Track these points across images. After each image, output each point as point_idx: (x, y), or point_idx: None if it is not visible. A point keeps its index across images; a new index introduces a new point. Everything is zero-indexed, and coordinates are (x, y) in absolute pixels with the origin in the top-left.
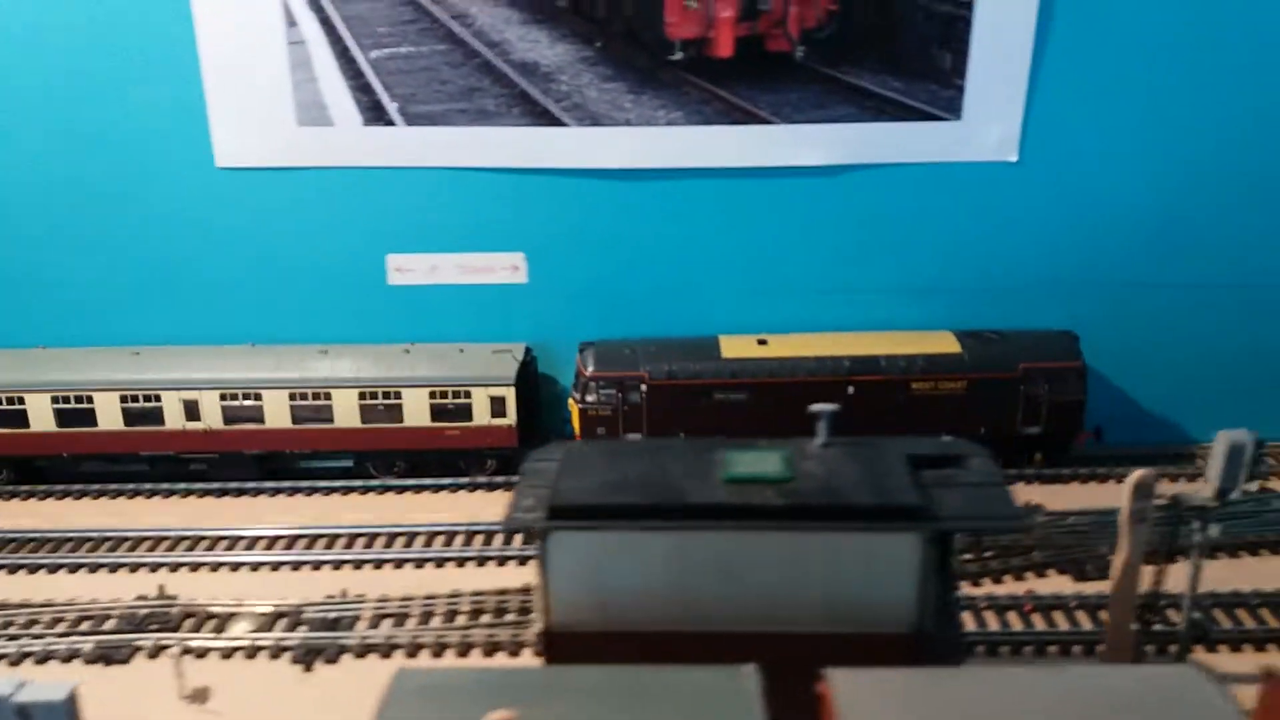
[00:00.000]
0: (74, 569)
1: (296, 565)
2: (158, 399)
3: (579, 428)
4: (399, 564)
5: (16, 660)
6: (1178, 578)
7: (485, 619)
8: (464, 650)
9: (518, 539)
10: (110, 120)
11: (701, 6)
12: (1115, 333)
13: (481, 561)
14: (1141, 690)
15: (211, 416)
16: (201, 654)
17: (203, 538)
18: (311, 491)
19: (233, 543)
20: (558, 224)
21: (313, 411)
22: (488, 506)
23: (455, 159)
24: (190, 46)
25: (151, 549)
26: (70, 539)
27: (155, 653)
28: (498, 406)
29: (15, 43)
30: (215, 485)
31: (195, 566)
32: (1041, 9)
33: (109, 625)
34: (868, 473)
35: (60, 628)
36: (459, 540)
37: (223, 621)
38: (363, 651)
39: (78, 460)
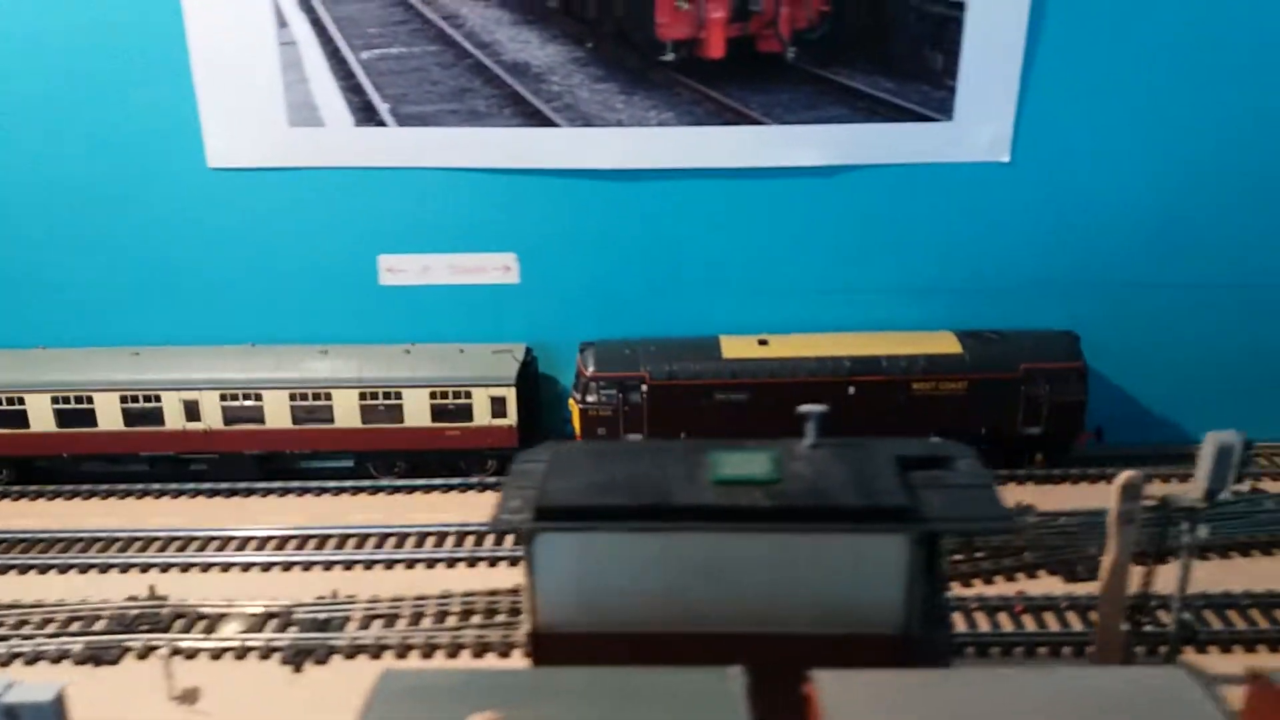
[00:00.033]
0: (64, 569)
1: (287, 566)
2: (158, 399)
3: (579, 428)
4: (389, 565)
5: (6, 661)
6: (1168, 579)
7: (476, 620)
8: (454, 651)
9: (509, 539)
10: (104, 120)
11: (692, 7)
12: (1116, 333)
13: (473, 562)
14: (1129, 692)
15: (212, 417)
16: (191, 655)
17: (194, 538)
18: (303, 492)
19: (224, 543)
20: (550, 224)
21: (313, 412)
22: (486, 507)
23: (447, 159)
24: (181, 47)
25: (143, 549)
26: (61, 539)
27: (145, 653)
28: (498, 407)
29: (10, 45)
30: (207, 485)
31: (186, 567)
32: (1033, 10)
33: (99, 626)
34: (855, 474)
35: (50, 628)
36: (450, 541)
37: (213, 622)
38: (352, 652)
39: (78, 460)
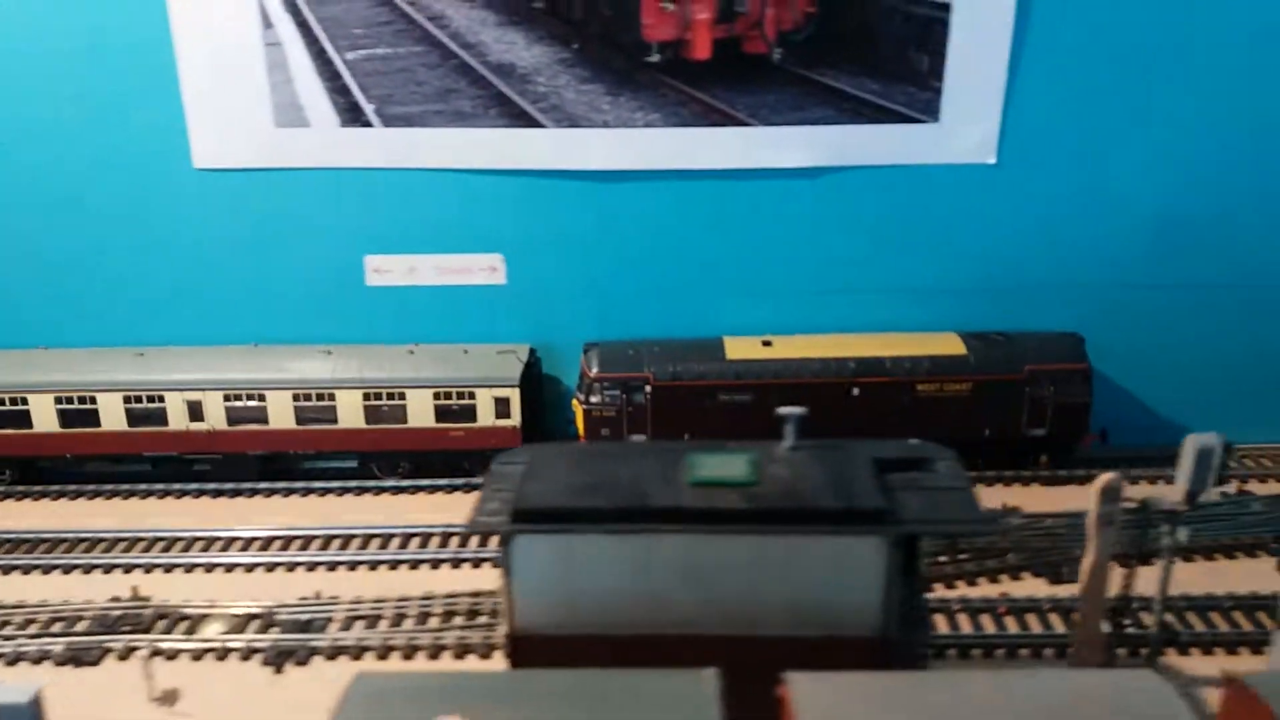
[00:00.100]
0: (48, 570)
1: (271, 567)
2: (161, 400)
3: (583, 429)
4: (374, 566)
5: None
6: (1149, 581)
7: (458, 621)
8: (435, 653)
9: (493, 540)
10: (92, 121)
11: (678, 9)
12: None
13: (457, 563)
14: (1102, 695)
15: (215, 417)
16: (172, 656)
17: (179, 539)
18: (295, 493)
19: (209, 544)
20: (536, 225)
21: (316, 412)
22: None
23: (432, 160)
24: (168, 49)
25: (128, 550)
26: (45, 540)
27: (126, 654)
28: (502, 407)
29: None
30: (194, 486)
31: (170, 568)
32: (1018, 11)
33: (81, 627)
34: (833, 476)
35: (32, 629)
36: (435, 542)
37: (195, 623)
38: (333, 654)
39: (81, 461)
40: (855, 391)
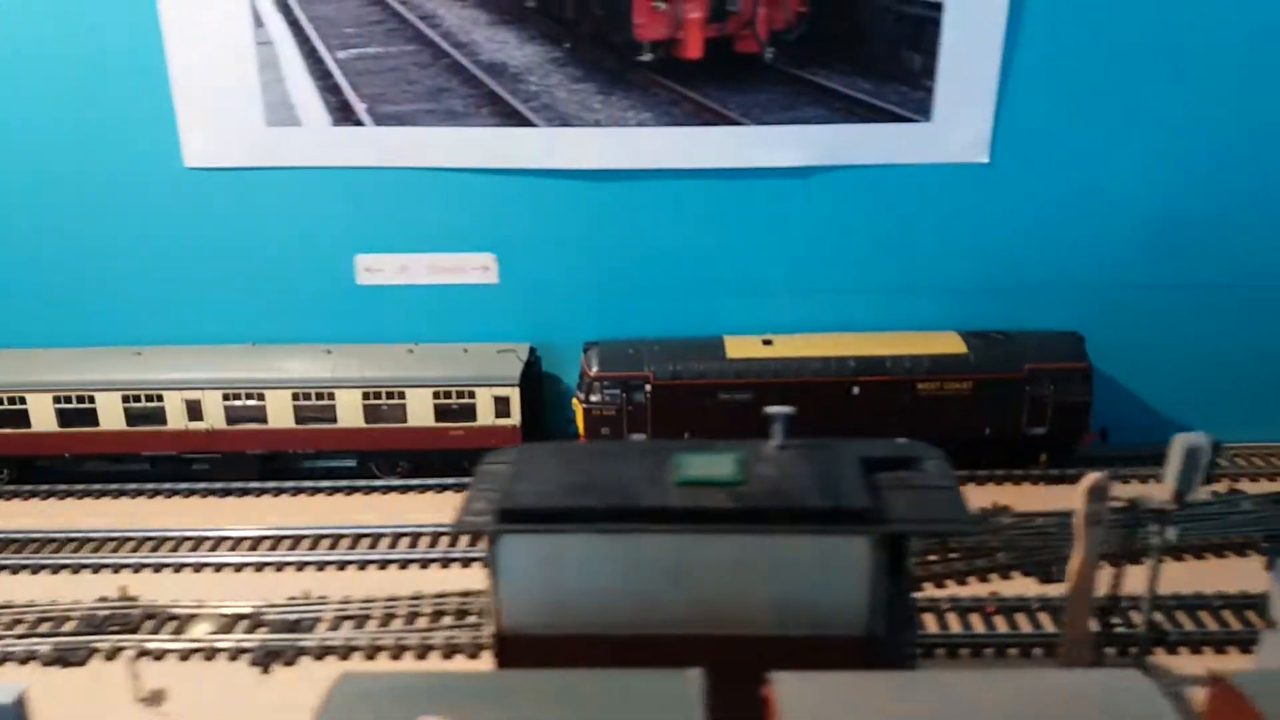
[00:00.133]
0: (36, 570)
1: (260, 566)
2: (160, 399)
3: (583, 428)
4: (363, 565)
5: None
6: (1139, 580)
7: (447, 621)
8: (423, 653)
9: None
10: (82, 118)
11: (670, 8)
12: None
13: (446, 563)
14: (1086, 694)
15: (214, 416)
16: (159, 656)
17: (169, 538)
18: (280, 492)
19: (198, 543)
20: (529, 225)
21: (316, 411)
22: None
23: (424, 159)
24: (159, 48)
25: (116, 549)
26: (34, 540)
27: (113, 655)
28: (502, 406)
29: None
30: (185, 485)
31: (159, 568)
32: (1011, 11)
33: (68, 627)
34: (820, 475)
35: (19, 629)
36: (425, 541)
37: (183, 623)
38: (321, 654)
39: (79, 460)
40: (855, 390)
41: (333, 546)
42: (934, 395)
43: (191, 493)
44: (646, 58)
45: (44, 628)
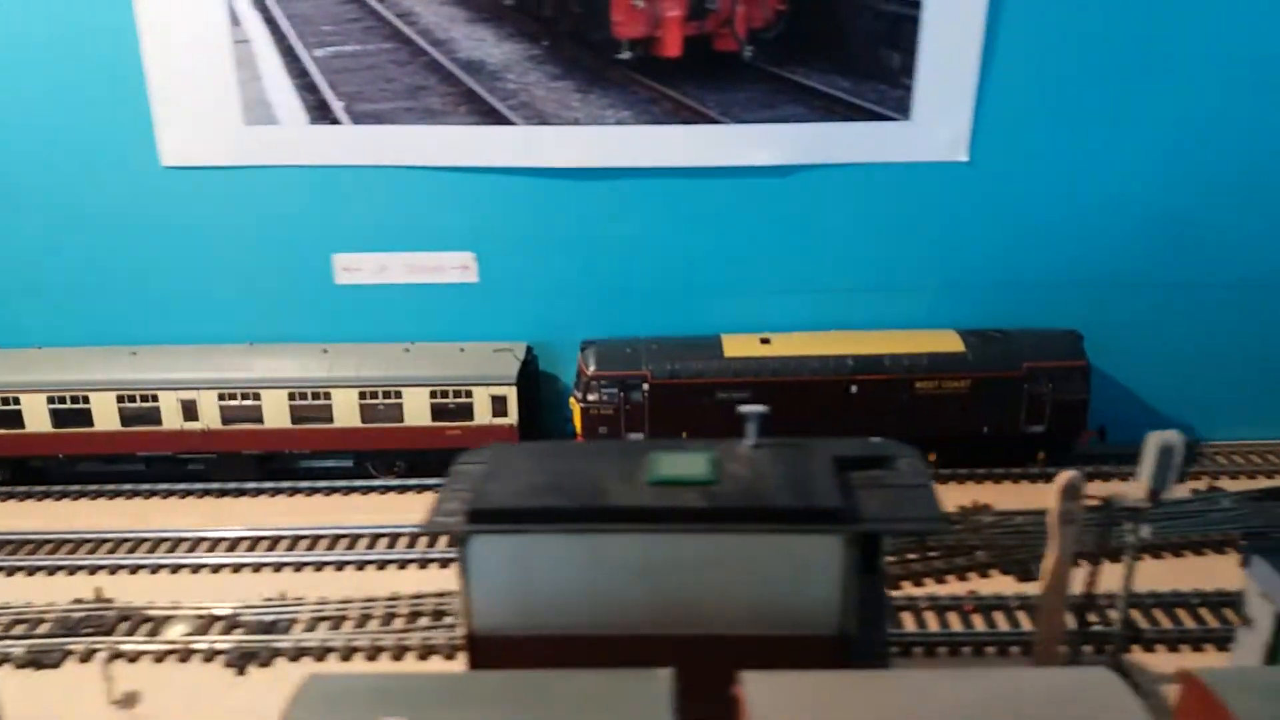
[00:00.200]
0: (11, 572)
1: (237, 568)
2: (155, 399)
3: (581, 427)
4: (340, 566)
5: None
6: (1116, 578)
7: (423, 622)
8: (399, 654)
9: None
10: (58, 117)
11: (648, 6)
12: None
13: (424, 564)
14: (1054, 693)
15: (210, 416)
16: (134, 658)
17: (145, 539)
18: (263, 493)
19: (174, 544)
20: (507, 223)
21: (312, 411)
22: None
23: (402, 158)
24: (134, 46)
25: (92, 551)
26: (9, 542)
27: (87, 657)
28: (499, 406)
29: None
30: (163, 486)
31: (135, 569)
32: (990, 8)
33: (42, 629)
34: (792, 475)
35: None
36: (403, 542)
37: (158, 625)
38: (296, 655)
39: (74, 461)
40: (853, 389)
41: (311, 547)
42: (932, 393)
43: (170, 494)
44: (625, 56)
45: (18, 630)
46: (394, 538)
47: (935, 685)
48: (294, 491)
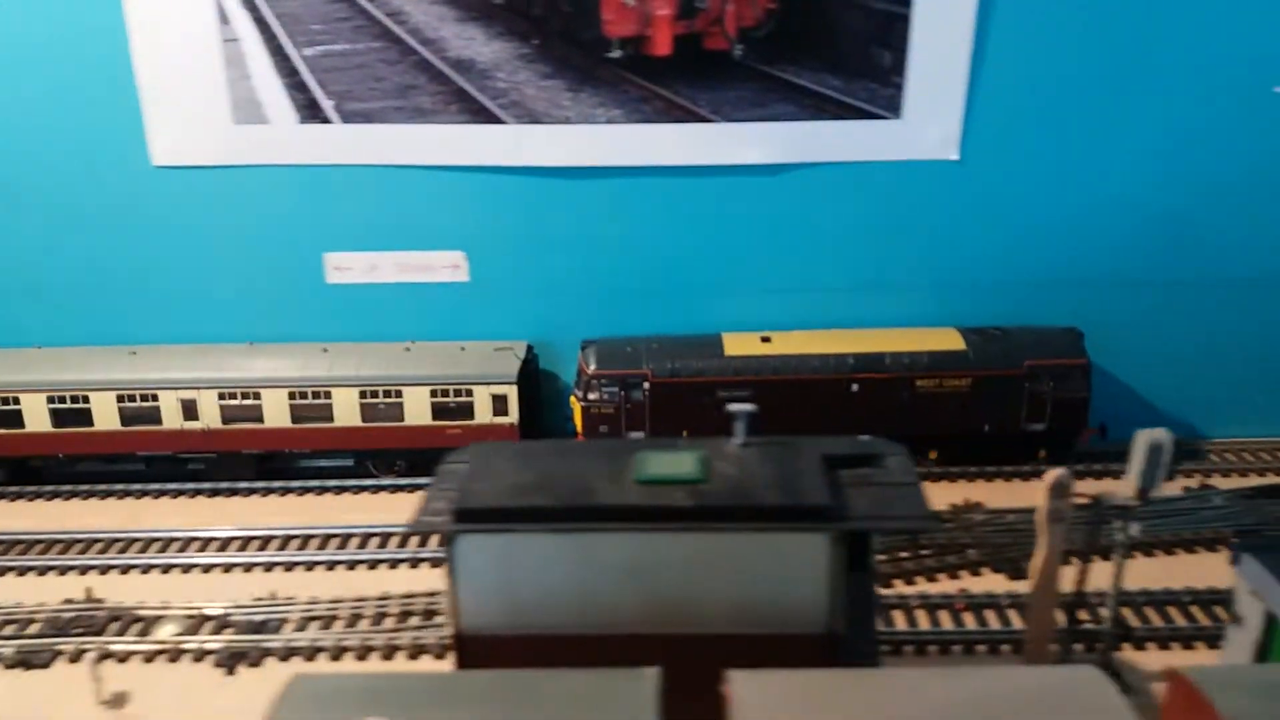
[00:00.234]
0: (1, 572)
1: (229, 567)
2: (155, 398)
3: (581, 426)
4: (331, 566)
5: None
6: (1107, 576)
7: (414, 621)
8: (389, 654)
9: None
10: (50, 115)
11: (639, 4)
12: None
13: (415, 563)
14: (1041, 691)
15: (210, 416)
16: (124, 658)
17: (136, 539)
18: (251, 493)
19: (166, 544)
20: (498, 223)
21: (313, 410)
22: None
23: (392, 157)
24: (124, 46)
25: (83, 551)
26: (1, 542)
27: (77, 657)
28: (500, 405)
29: None
30: (155, 486)
31: (126, 569)
32: (981, 7)
33: (32, 629)
34: (780, 473)
35: None
36: (394, 541)
37: (148, 625)
38: (286, 655)
39: (74, 460)
40: (855, 388)
41: (303, 547)
42: (933, 392)
43: (163, 493)
44: (615, 55)
45: (8, 630)
46: (385, 537)
47: (921, 684)
48: (286, 491)
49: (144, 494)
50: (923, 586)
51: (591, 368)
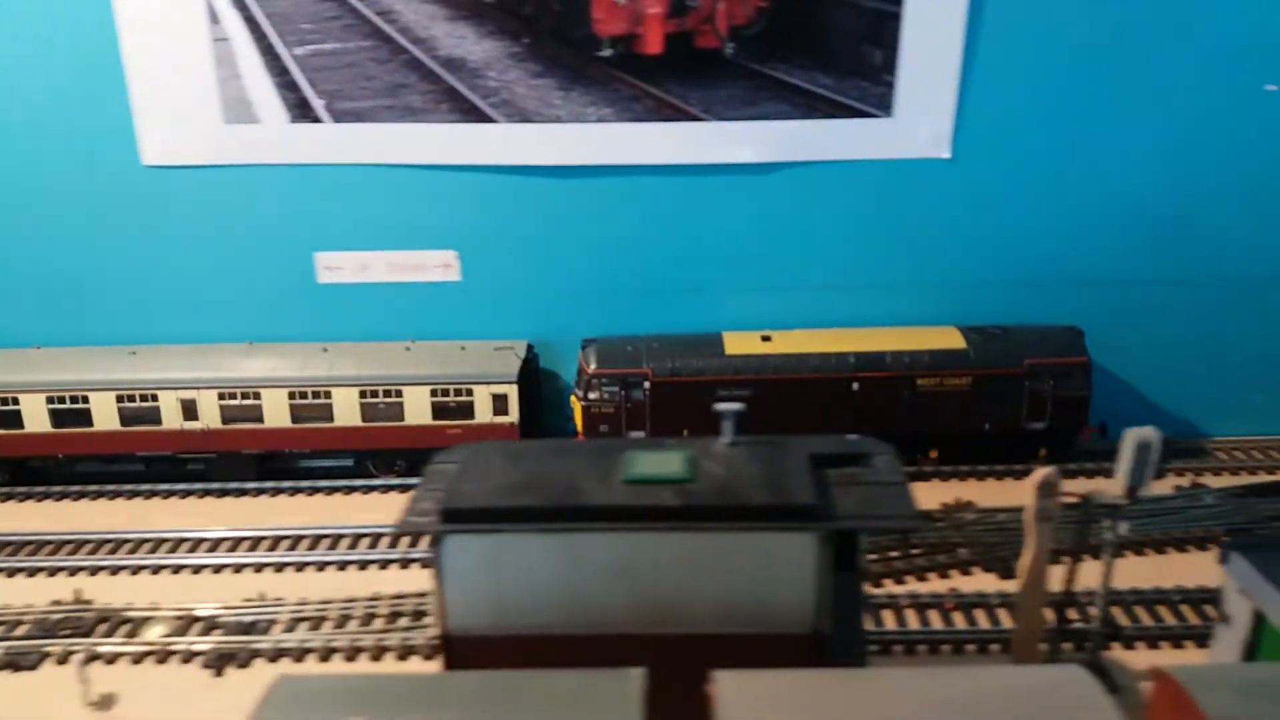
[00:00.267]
0: None
1: (218, 568)
2: (155, 399)
3: (581, 425)
4: (321, 566)
5: None
6: (1096, 575)
7: (403, 622)
8: (378, 654)
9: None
10: (40, 116)
11: (629, 3)
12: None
13: (406, 564)
14: (1026, 691)
15: (210, 416)
16: (112, 660)
17: (125, 540)
18: (242, 493)
19: (156, 545)
20: (490, 222)
21: (313, 410)
22: None
23: (383, 156)
24: (114, 45)
25: (73, 553)
26: None
27: (65, 659)
28: (500, 404)
29: None
30: (146, 486)
31: (116, 570)
32: (972, 5)
33: (20, 631)
34: (768, 472)
35: None
36: (385, 542)
37: (137, 626)
38: (275, 656)
39: (73, 461)
40: (855, 386)
41: (293, 547)
42: (933, 390)
43: (154, 494)
44: (606, 53)
45: None
46: (376, 538)
47: (905, 684)
48: (278, 491)
49: (134, 494)
50: (913, 586)
51: (592, 367)
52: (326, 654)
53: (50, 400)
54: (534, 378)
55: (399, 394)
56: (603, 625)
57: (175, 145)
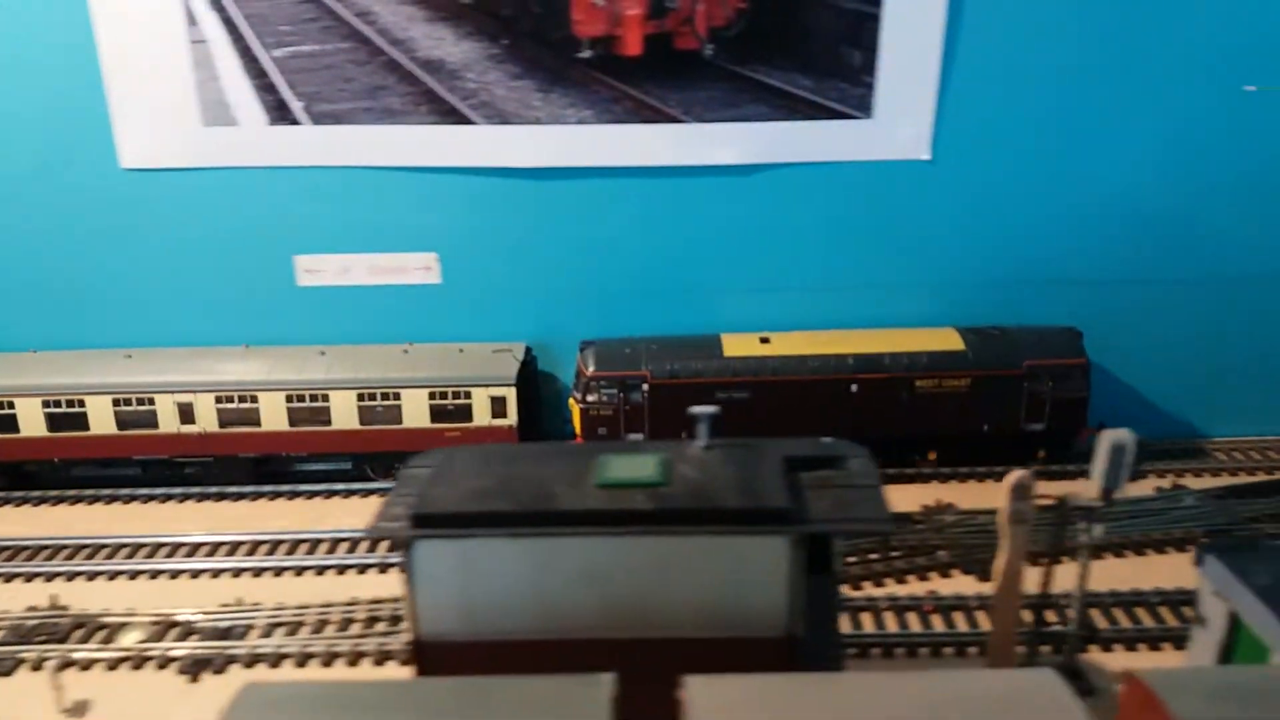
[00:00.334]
0: None
1: (196, 573)
2: (151, 402)
3: (580, 428)
4: (300, 571)
5: None
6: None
7: (380, 627)
8: (354, 660)
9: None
10: (17, 118)
11: (608, 4)
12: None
13: (384, 568)
14: (996, 694)
15: (206, 419)
16: (86, 666)
17: (103, 545)
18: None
19: (134, 550)
20: (470, 224)
21: (310, 413)
22: None
23: (362, 158)
24: (91, 47)
25: (50, 558)
26: None
27: (39, 665)
28: (498, 407)
29: None
30: (124, 490)
31: (93, 575)
32: (951, 6)
33: None
34: (741, 475)
35: None
36: (364, 546)
37: (112, 632)
38: (251, 662)
39: (69, 465)
40: (854, 388)
41: (272, 552)
42: (932, 392)
43: (133, 498)
44: (585, 55)
45: None
46: (355, 542)
47: (873, 688)
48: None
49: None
50: (892, 588)
51: (590, 369)
52: (303, 659)
53: (46, 404)
54: (532, 380)
55: (397, 397)
56: (575, 630)
57: (154, 148)
